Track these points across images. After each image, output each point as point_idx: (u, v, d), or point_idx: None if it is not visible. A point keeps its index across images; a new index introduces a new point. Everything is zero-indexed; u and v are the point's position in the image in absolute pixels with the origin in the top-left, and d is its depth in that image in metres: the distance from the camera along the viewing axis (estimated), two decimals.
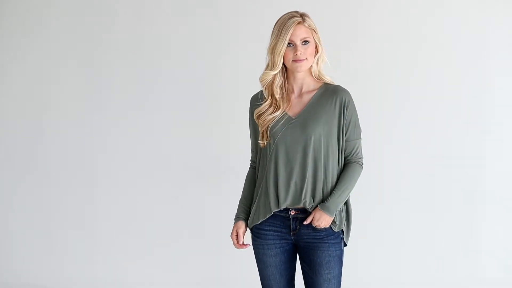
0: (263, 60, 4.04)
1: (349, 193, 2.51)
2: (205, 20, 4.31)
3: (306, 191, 2.49)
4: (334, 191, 2.49)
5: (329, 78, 2.58)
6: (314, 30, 2.49)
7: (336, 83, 2.57)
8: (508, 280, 4.19)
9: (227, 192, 4.33)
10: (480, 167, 4.25)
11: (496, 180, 4.25)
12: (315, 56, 2.51)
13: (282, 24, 2.46)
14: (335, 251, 2.50)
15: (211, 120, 4.35)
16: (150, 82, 4.37)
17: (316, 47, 2.51)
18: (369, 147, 4.06)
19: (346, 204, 2.56)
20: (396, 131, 4.25)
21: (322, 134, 2.48)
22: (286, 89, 2.58)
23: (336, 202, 2.48)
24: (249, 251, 4.21)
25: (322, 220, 2.46)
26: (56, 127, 4.44)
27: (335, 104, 2.49)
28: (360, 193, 4.12)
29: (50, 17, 4.40)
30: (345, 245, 2.58)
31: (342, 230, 2.54)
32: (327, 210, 2.46)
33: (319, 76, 2.57)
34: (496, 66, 4.20)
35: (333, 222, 2.50)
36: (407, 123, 4.24)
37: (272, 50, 2.48)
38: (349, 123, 2.50)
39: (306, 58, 2.47)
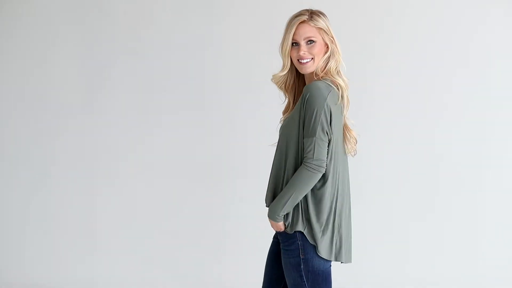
0: (264, 59, 4.09)
1: (291, 197, 2.32)
2: (205, 20, 4.31)
3: (267, 191, 2.46)
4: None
5: (338, 78, 2.42)
6: (323, 30, 2.39)
7: (340, 82, 2.41)
8: (508, 280, 4.18)
9: (228, 192, 4.35)
10: (481, 167, 4.26)
11: (496, 180, 4.26)
12: (323, 55, 2.41)
13: (288, 23, 2.40)
14: (288, 258, 2.39)
15: (212, 120, 4.35)
16: (151, 82, 4.37)
17: (327, 46, 2.41)
18: (370, 147, 4.09)
19: (307, 205, 2.37)
20: (397, 131, 4.26)
21: (288, 131, 2.40)
22: (298, 89, 2.52)
23: (275, 206, 2.36)
24: (249, 252, 4.24)
25: (270, 223, 2.42)
26: (57, 128, 4.44)
27: (301, 99, 2.35)
28: (360, 193, 4.15)
29: (50, 17, 4.40)
30: (315, 250, 2.37)
31: (304, 234, 2.37)
32: (268, 213, 2.40)
33: (332, 76, 2.42)
34: (499, 66, 4.22)
35: (286, 223, 2.39)
36: (408, 124, 4.26)
37: (281, 50, 2.42)
38: (305, 119, 2.33)
39: (312, 58, 2.40)
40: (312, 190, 2.36)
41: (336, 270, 2.89)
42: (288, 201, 2.33)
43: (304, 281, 2.37)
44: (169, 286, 4.31)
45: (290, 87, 2.52)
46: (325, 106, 2.29)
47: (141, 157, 4.41)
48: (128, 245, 4.42)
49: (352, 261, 2.49)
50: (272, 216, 2.37)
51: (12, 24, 4.43)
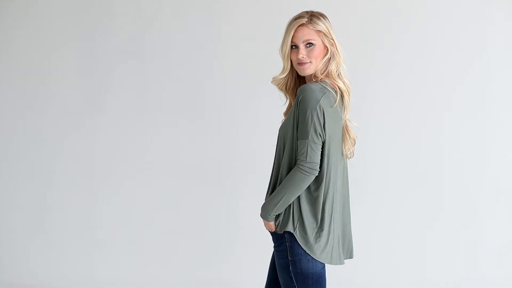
0: (262, 60, 4.10)
1: (282, 198, 2.32)
2: (205, 21, 4.32)
3: (267, 191, 2.48)
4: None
5: (339, 81, 2.40)
6: (323, 32, 2.37)
7: (340, 84, 2.40)
8: (508, 280, 4.19)
9: (227, 192, 4.35)
10: (480, 168, 4.27)
11: (496, 180, 4.27)
12: (323, 58, 2.39)
13: (288, 26, 2.40)
14: (278, 259, 2.41)
15: (211, 120, 4.35)
16: (150, 82, 4.37)
17: (327, 49, 2.40)
18: (373, 149, 4.11)
19: (300, 206, 2.37)
20: (399, 131, 4.27)
21: (285, 133, 2.41)
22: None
23: (267, 205, 2.37)
24: (251, 253, 4.24)
25: (263, 222, 2.43)
26: (56, 128, 4.44)
27: (295, 101, 2.35)
28: (358, 193, 4.16)
29: (50, 17, 4.40)
30: (305, 252, 2.35)
31: (293, 235, 2.36)
32: (261, 212, 2.41)
33: (332, 78, 2.40)
34: (498, 67, 4.24)
35: (276, 222, 2.40)
36: (412, 125, 4.28)
37: (280, 52, 2.42)
38: (298, 121, 2.33)
39: (310, 61, 2.38)
40: (308, 191, 2.37)
41: (337, 270, 2.90)
42: (280, 202, 2.33)
43: (294, 283, 2.38)
44: (169, 286, 4.31)
45: (291, 88, 2.51)
46: (318, 108, 2.29)
47: (141, 156, 4.41)
48: (128, 245, 4.42)
49: (344, 263, 2.49)
50: (263, 215, 2.39)
51: (13, 25, 4.43)
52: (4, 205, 4.50)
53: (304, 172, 2.30)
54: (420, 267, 4.26)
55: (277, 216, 2.38)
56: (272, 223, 2.39)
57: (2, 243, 4.50)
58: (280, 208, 2.35)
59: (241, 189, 4.32)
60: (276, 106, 2.78)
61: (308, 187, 2.36)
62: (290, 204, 2.36)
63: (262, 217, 2.41)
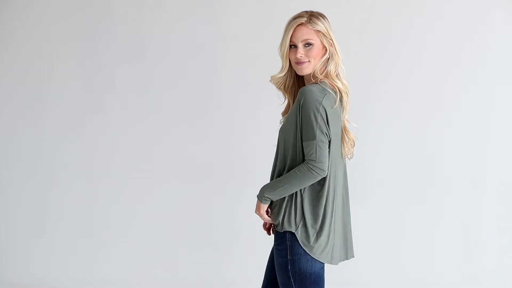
0: (263, 60, 4.10)
1: (282, 187, 2.34)
2: (205, 20, 4.32)
3: None
4: None
5: (337, 82, 2.41)
6: (322, 32, 2.38)
7: (339, 85, 2.41)
8: (508, 280, 4.19)
9: (228, 192, 4.35)
10: (480, 168, 4.27)
11: (495, 180, 4.27)
12: (321, 58, 2.40)
13: (287, 25, 2.41)
14: (277, 257, 2.42)
15: (212, 120, 4.35)
16: (151, 83, 4.37)
17: (326, 49, 2.41)
18: (373, 147, 4.11)
19: (302, 206, 2.37)
20: (401, 132, 4.27)
21: (286, 134, 2.41)
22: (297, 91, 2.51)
23: (266, 186, 2.38)
24: (249, 252, 4.24)
25: (256, 205, 2.42)
26: (57, 128, 4.44)
27: (296, 104, 2.36)
28: (361, 194, 4.17)
29: (50, 17, 4.40)
30: (304, 252, 2.36)
31: (294, 235, 2.37)
32: (258, 192, 2.41)
33: (331, 79, 2.41)
34: (503, 68, 4.25)
35: (277, 221, 2.40)
36: (414, 125, 4.28)
37: (279, 51, 2.43)
38: (302, 123, 2.34)
39: (308, 61, 2.39)
40: (311, 192, 2.38)
41: (337, 271, 2.90)
42: (279, 189, 2.34)
43: (292, 282, 2.38)
44: (169, 286, 4.31)
45: (289, 88, 2.52)
46: (321, 109, 2.30)
47: (142, 157, 4.41)
48: (129, 246, 4.42)
49: (343, 260, 2.50)
50: (259, 194, 2.40)
51: (13, 25, 4.42)
52: (5, 205, 4.50)
53: (313, 172, 2.30)
54: (421, 267, 4.26)
55: (278, 215, 2.39)
56: (263, 208, 2.40)
57: (2, 243, 4.50)
58: (275, 195, 2.36)
59: (241, 189, 4.31)
60: (277, 107, 2.77)
61: (313, 187, 2.37)
62: (293, 204, 2.37)
63: (257, 197, 2.41)
